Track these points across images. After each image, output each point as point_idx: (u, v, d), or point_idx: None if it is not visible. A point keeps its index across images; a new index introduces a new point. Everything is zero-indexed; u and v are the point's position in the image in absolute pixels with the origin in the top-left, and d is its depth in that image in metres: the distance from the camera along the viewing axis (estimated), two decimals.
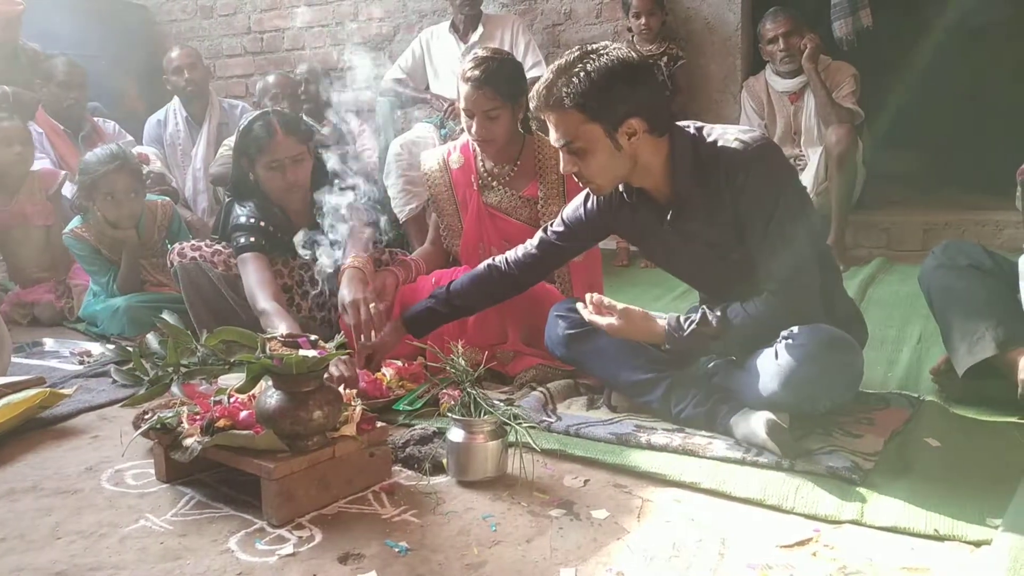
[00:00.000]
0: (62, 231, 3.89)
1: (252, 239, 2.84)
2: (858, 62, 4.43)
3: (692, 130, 2.13)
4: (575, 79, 1.99)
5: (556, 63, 2.07)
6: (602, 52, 2.02)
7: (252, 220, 2.86)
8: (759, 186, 2.02)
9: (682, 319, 2.12)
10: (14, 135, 3.79)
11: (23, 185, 3.85)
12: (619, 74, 2.00)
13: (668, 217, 2.16)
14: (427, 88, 4.75)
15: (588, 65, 1.99)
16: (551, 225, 2.42)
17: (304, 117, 4.48)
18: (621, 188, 2.22)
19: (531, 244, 2.44)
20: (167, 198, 3.85)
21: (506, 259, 2.47)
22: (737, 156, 2.03)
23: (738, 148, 2.04)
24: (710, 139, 2.09)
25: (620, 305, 2.16)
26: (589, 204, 2.32)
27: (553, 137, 2.09)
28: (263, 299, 2.70)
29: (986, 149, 4.83)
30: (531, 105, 2.13)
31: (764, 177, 2.03)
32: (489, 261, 2.50)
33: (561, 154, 2.11)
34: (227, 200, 3.02)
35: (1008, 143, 4.65)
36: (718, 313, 2.08)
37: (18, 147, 3.79)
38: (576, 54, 2.04)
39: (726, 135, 2.08)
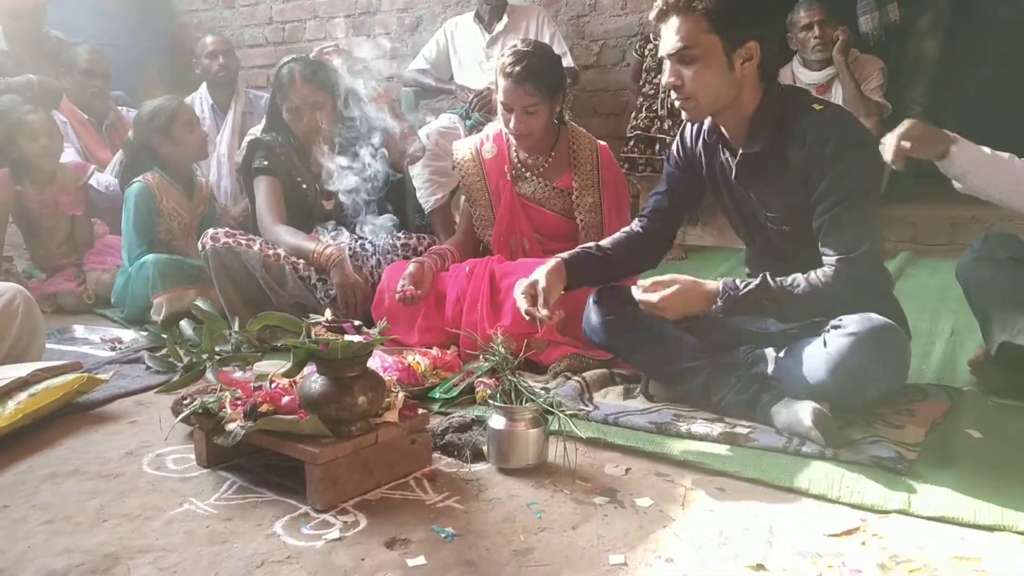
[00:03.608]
0: (89, 220, 3.93)
1: (266, 162, 3.18)
2: (884, 56, 4.40)
3: (782, 86, 2.13)
4: None
5: None
6: None
7: (272, 142, 3.19)
8: (844, 155, 2.00)
9: (739, 281, 2.08)
10: (39, 128, 3.72)
11: (56, 176, 3.83)
12: None
13: (735, 169, 2.17)
14: (451, 78, 4.74)
15: None
16: (655, 190, 2.42)
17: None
18: (706, 125, 2.22)
19: (643, 211, 2.42)
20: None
21: (639, 223, 2.42)
22: (825, 121, 2.03)
23: (827, 113, 2.04)
24: (798, 99, 2.09)
25: (668, 276, 2.12)
26: (674, 147, 2.33)
27: (669, 43, 2.04)
28: (272, 220, 3.08)
29: (1013, 143, 4.78)
30: (652, 15, 2.09)
31: (851, 146, 2.01)
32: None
33: (667, 65, 2.07)
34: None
35: None
36: (778, 280, 2.05)
37: (43, 140, 3.72)
38: None
39: (810, 97, 2.09)
